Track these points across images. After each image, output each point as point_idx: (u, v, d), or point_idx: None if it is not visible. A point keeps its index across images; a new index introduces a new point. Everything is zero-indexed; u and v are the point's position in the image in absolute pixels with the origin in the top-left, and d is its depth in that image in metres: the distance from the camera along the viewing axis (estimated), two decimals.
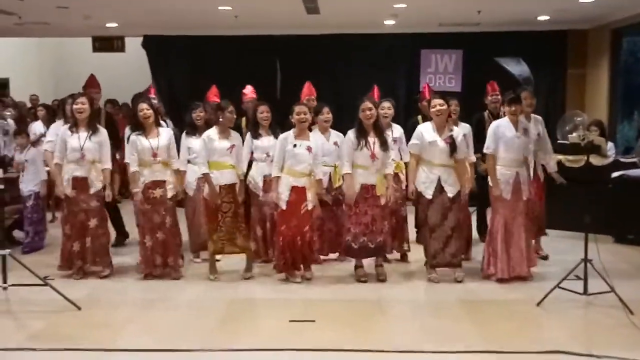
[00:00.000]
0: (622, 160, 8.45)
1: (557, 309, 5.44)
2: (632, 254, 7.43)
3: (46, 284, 5.56)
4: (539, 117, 6.95)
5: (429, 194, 6.14)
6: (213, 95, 7.47)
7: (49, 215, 8.73)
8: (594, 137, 7.50)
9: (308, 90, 7.23)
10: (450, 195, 6.14)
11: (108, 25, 11.06)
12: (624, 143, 10.94)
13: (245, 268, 6.47)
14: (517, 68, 11.33)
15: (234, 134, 6.42)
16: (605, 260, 5.62)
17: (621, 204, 7.85)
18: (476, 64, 11.07)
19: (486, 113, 7.40)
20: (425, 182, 6.16)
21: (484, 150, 6.30)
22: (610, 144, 8.39)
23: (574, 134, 6.29)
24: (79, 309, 5.44)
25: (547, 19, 10.39)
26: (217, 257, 6.63)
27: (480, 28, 10.83)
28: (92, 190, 6.31)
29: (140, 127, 6.31)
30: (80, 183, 6.30)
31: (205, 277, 6.39)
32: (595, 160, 7.12)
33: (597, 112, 10.51)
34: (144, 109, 6.28)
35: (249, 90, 7.60)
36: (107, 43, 12.35)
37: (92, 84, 7.42)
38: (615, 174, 7.97)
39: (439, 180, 6.12)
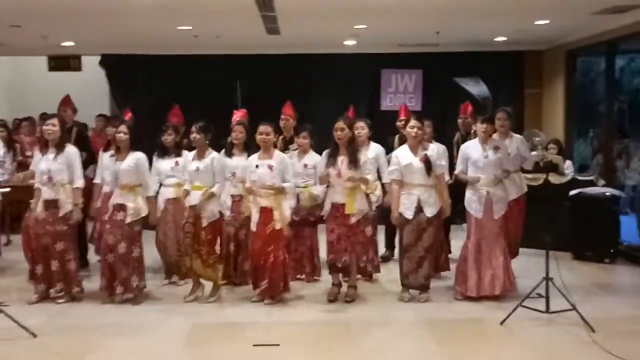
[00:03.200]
0: (580, 178, 8.63)
1: (520, 328, 5.47)
2: (591, 271, 7.55)
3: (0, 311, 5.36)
4: (519, 136, 6.91)
5: (409, 214, 6.12)
6: (174, 115, 7.41)
7: (3, 239, 8.48)
8: (552, 156, 7.69)
9: (287, 110, 7.32)
10: (428, 215, 6.11)
11: (64, 44, 10.87)
12: (579, 161, 11.19)
13: (210, 292, 6.35)
14: (476, 88, 11.53)
15: (209, 154, 6.33)
16: (565, 277, 5.71)
17: (579, 221, 7.99)
18: (435, 83, 11.24)
19: (457, 134, 7.48)
20: (405, 203, 6.14)
21: (455, 172, 6.36)
22: (568, 162, 8.60)
23: (533, 153, 6.40)
24: (35, 336, 5.25)
25: (504, 40, 10.59)
26: (180, 282, 6.57)
27: (439, 48, 10.98)
28: (61, 213, 6.15)
29: (116, 148, 6.28)
30: (51, 205, 6.15)
31: (167, 301, 6.26)
32: (553, 178, 7.26)
33: (554, 130, 10.72)
34: (122, 131, 6.21)
35: (240, 112, 7.57)
36: (63, 62, 12.12)
37: (66, 103, 7.30)
38: (573, 192, 8.13)
39: (418, 200, 6.12)
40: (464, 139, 6.85)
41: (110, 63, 11.80)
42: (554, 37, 10.48)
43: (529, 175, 7.88)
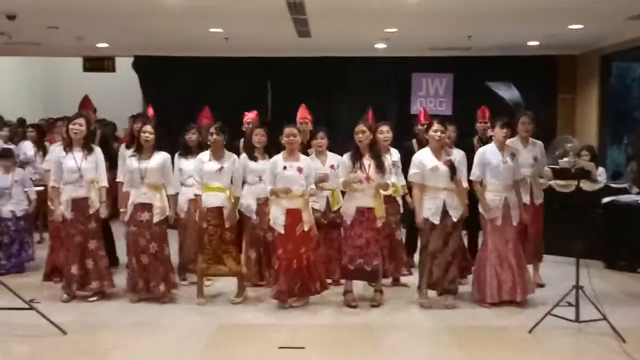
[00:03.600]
0: (613, 185, 8.48)
1: (548, 337, 5.39)
2: (623, 280, 7.40)
3: (31, 308, 5.45)
4: (538, 142, 6.92)
5: (436, 219, 6.07)
6: (204, 117, 7.46)
7: (36, 237, 8.64)
8: (585, 163, 7.56)
9: (302, 113, 7.23)
10: (454, 219, 6.09)
11: (99, 45, 11.05)
12: (613, 168, 10.98)
13: (236, 292, 6.38)
14: (508, 92, 11.41)
15: (228, 156, 6.35)
16: (596, 286, 5.61)
17: (612, 230, 7.85)
18: (467, 87, 11.15)
19: (475, 138, 7.40)
20: (431, 208, 6.09)
21: (470, 177, 6.29)
22: (601, 169, 8.45)
23: (565, 159, 6.30)
24: (65, 333, 5.33)
25: (537, 44, 10.47)
26: (206, 282, 6.55)
27: (470, 52, 10.90)
28: (91, 211, 6.26)
29: (138, 147, 6.27)
30: (80, 204, 6.23)
31: (193, 301, 6.29)
32: (585, 185, 7.15)
33: (587, 136, 10.56)
34: (147, 131, 6.23)
35: (251, 114, 7.55)
36: (97, 63, 12.36)
37: (86, 104, 7.39)
38: (606, 200, 7.99)
39: (444, 204, 6.08)
40: (484, 144, 6.77)
41: (142, 65, 11.96)
42: (589, 42, 10.32)
43: (561, 182, 7.78)
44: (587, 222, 6.00)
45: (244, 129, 7.36)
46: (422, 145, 6.64)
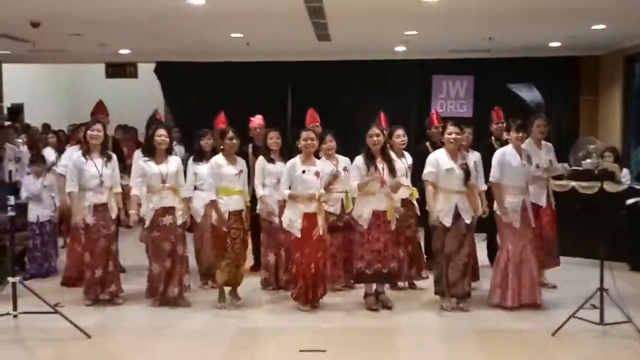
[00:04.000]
0: (637, 187, 8.36)
1: (572, 339, 5.33)
2: None
3: (56, 312, 5.52)
4: (550, 144, 6.89)
5: (447, 221, 6.05)
6: (220, 121, 7.51)
7: (60, 241, 8.73)
8: (608, 164, 7.48)
9: (312, 117, 7.25)
10: (467, 222, 6.06)
11: (121, 51, 11.18)
12: (637, 169, 10.83)
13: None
14: (529, 94, 11.33)
15: (240, 160, 6.39)
16: (621, 288, 5.53)
17: (636, 231, 7.74)
18: (487, 89, 11.08)
19: (492, 139, 7.37)
20: (442, 210, 6.07)
21: (490, 179, 6.25)
22: (625, 171, 8.34)
23: (588, 161, 6.25)
24: (89, 337, 5.38)
25: (558, 45, 10.38)
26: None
27: (491, 54, 10.85)
28: (113, 215, 6.35)
29: (151, 151, 6.31)
30: (100, 209, 6.31)
31: (214, 305, 6.32)
32: (609, 187, 7.07)
33: (610, 138, 10.44)
34: (162, 134, 6.27)
35: (257, 118, 7.60)
36: (120, 69, 12.50)
37: (100, 109, 7.47)
38: (630, 201, 7.89)
39: (456, 207, 6.05)
40: (501, 145, 6.73)
41: (164, 70, 12.07)
42: (612, 42, 10.21)
43: (584, 184, 7.72)
44: (611, 223, 5.93)
45: (250, 135, 7.40)
46: (435, 147, 6.62)
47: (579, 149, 7.11)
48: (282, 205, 6.58)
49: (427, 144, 7.29)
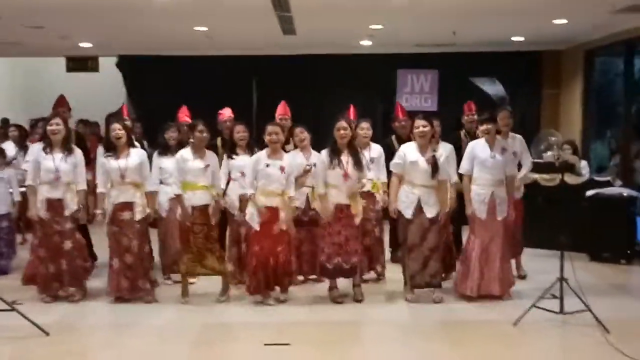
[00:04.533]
0: (597, 179, 8.52)
1: (533, 329, 5.40)
2: (607, 272, 7.45)
3: (13, 309, 5.40)
4: (518, 136, 6.93)
5: (408, 213, 6.09)
6: (183, 115, 7.43)
7: (18, 238, 8.56)
8: (569, 156, 7.59)
9: (282, 110, 7.20)
10: (429, 216, 6.08)
11: (82, 45, 10.98)
12: (597, 162, 11.05)
13: (220, 291, 6.35)
14: (492, 88, 11.46)
15: (209, 154, 6.33)
16: (580, 278, 5.62)
17: (596, 223, 7.89)
18: (452, 83, 11.17)
19: (462, 132, 7.42)
20: (405, 202, 6.10)
21: (459, 171, 6.30)
22: (583, 163, 8.50)
23: (549, 153, 6.32)
24: (47, 334, 5.27)
25: (521, 40, 10.50)
26: (191, 280, 6.51)
27: (455, 48, 10.92)
28: (66, 212, 6.19)
29: (112, 147, 6.21)
30: (54, 205, 6.18)
31: (178, 300, 6.26)
32: (570, 179, 7.19)
33: (571, 131, 10.61)
34: (116, 129, 6.17)
35: (226, 112, 7.53)
36: (81, 63, 12.27)
37: (61, 103, 7.33)
38: (589, 193, 8.03)
39: (418, 200, 6.07)
40: (472, 138, 6.78)
41: (126, 64, 11.89)
42: (573, 37, 10.36)
43: (546, 176, 7.82)
44: (572, 215, 6.03)
45: (219, 128, 7.34)
46: (402, 141, 6.64)
47: (541, 141, 7.19)
48: (242, 199, 6.54)
49: (393, 137, 7.30)
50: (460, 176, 6.42)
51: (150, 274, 6.31)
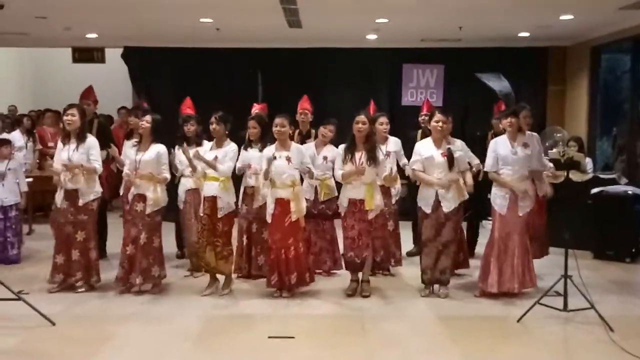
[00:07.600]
0: (602, 176, 8.51)
1: (537, 326, 5.42)
2: (611, 269, 7.46)
3: (19, 299, 5.43)
4: (534, 134, 6.88)
5: (427, 209, 6.13)
6: (186, 107, 7.46)
7: (25, 228, 8.60)
8: (574, 153, 7.57)
9: (302, 104, 7.33)
10: (445, 210, 6.09)
11: (88, 36, 10.97)
12: (603, 159, 11.03)
13: (222, 285, 6.37)
14: (498, 84, 11.40)
15: (228, 144, 6.28)
16: (585, 276, 5.64)
17: (601, 220, 7.89)
18: (457, 79, 11.15)
19: (490, 133, 7.45)
20: (425, 197, 6.15)
21: (485, 169, 6.31)
22: (588, 160, 8.46)
23: (554, 150, 6.31)
24: (53, 324, 5.32)
25: (527, 36, 10.47)
26: (196, 274, 6.60)
27: (461, 44, 10.89)
28: (80, 202, 6.21)
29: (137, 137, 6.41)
30: (71, 194, 6.22)
31: (183, 293, 6.29)
32: (575, 176, 7.15)
33: (577, 128, 10.59)
34: (145, 120, 6.27)
35: (260, 105, 7.61)
36: (87, 54, 12.25)
37: (86, 95, 7.38)
38: (594, 190, 8.03)
39: (436, 195, 6.10)
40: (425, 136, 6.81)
41: (132, 55, 11.86)
42: (579, 33, 10.33)
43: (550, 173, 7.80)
44: (576, 212, 6.02)
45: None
46: (426, 135, 6.64)
47: (546, 138, 7.17)
48: (248, 193, 6.59)
49: (419, 132, 7.29)
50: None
51: (149, 270, 6.25)
